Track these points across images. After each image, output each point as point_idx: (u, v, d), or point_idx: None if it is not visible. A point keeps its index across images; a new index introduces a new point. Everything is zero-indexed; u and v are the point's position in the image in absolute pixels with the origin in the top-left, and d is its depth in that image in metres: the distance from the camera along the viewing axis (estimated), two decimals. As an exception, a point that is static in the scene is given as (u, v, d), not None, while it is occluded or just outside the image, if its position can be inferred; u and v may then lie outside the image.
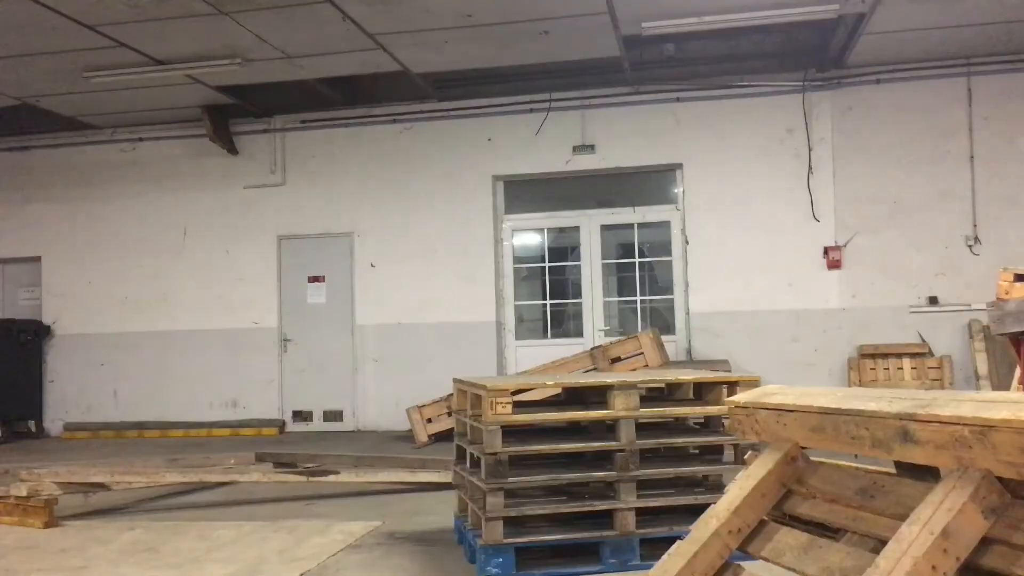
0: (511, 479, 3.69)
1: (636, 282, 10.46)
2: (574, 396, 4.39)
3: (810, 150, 9.72)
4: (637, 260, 10.46)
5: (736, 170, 9.92)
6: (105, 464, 6.93)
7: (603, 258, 10.48)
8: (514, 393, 3.75)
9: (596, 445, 3.86)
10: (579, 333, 10.41)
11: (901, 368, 9.40)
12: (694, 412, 4.10)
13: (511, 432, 3.79)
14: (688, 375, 4.28)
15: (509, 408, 3.67)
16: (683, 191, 10.16)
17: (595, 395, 3.99)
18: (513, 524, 3.74)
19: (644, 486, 3.81)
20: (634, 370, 7.86)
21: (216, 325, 11.05)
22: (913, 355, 9.42)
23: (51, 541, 4.77)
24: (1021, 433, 1.57)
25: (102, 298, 11.34)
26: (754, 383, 3.73)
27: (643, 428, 3.86)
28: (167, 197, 11.27)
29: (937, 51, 9.26)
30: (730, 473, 2.95)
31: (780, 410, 2.29)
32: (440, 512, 5.09)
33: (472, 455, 4.07)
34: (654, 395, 4.14)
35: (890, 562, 1.65)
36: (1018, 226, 9.32)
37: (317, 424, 10.80)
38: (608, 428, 3.93)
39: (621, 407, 3.75)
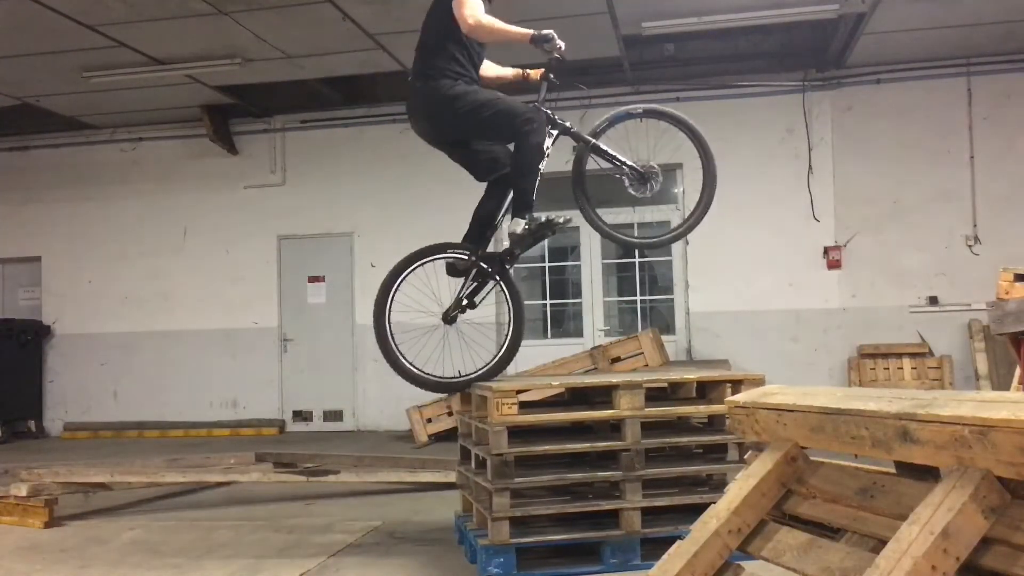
0: (517, 479, 3.68)
1: (636, 282, 10.45)
2: (577, 396, 4.39)
3: (810, 150, 9.72)
4: (637, 260, 10.46)
5: (736, 170, 9.88)
6: (105, 464, 6.93)
7: (603, 258, 10.48)
8: (519, 393, 3.74)
9: (602, 445, 3.86)
10: (579, 333, 10.41)
11: (901, 368, 9.40)
12: (699, 411, 4.09)
13: (516, 432, 3.78)
14: (693, 374, 4.28)
15: (515, 409, 3.67)
16: (683, 191, 10.15)
17: (600, 395, 3.99)
18: (518, 524, 3.73)
19: (648, 485, 3.80)
20: (634, 370, 7.86)
21: (216, 325, 11.05)
22: (913, 355, 9.42)
23: (51, 541, 4.77)
24: (1021, 433, 1.57)
25: (102, 298, 11.35)
26: (759, 381, 3.72)
27: (647, 427, 3.86)
28: (167, 197, 11.27)
29: (937, 51, 9.26)
30: (734, 472, 2.95)
31: (780, 410, 2.29)
32: (440, 512, 5.09)
33: (477, 456, 4.06)
34: (656, 395, 4.13)
35: (890, 562, 1.65)
36: (1018, 226, 9.32)
37: (317, 424, 10.81)
38: (613, 428, 3.92)
39: (627, 407, 3.75)
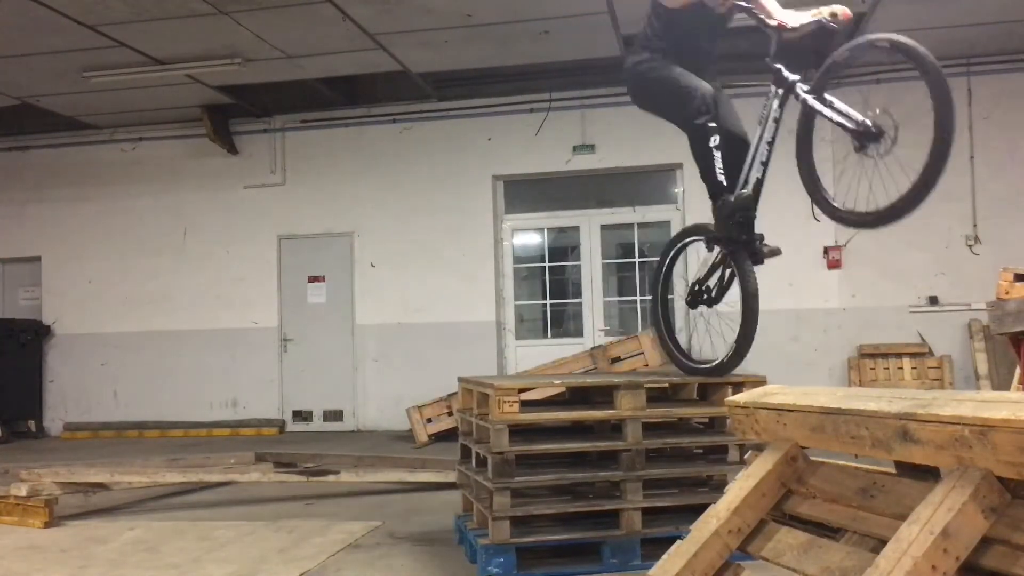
0: (518, 479, 3.68)
1: (636, 282, 10.45)
2: (578, 395, 4.39)
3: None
4: (637, 260, 10.46)
5: (736, 170, 9.91)
6: (105, 464, 6.92)
7: (603, 258, 10.48)
8: (520, 392, 3.74)
9: (603, 445, 3.86)
10: (579, 333, 10.41)
11: (901, 368, 9.40)
12: (700, 412, 4.09)
13: (517, 431, 3.78)
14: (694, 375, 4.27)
15: (516, 407, 3.66)
16: (683, 191, 10.16)
17: (601, 395, 3.99)
18: (518, 523, 3.73)
19: (649, 486, 3.80)
20: (634, 370, 7.86)
21: (216, 325, 11.05)
22: (913, 355, 9.42)
23: (51, 541, 4.77)
24: (1021, 433, 1.57)
25: (102, 298, 11.35)
26: (760, 383, 3.71)
27: (647, 428, 3.86)
28: (167, 197, 11.27)
29: (937, 51, 9.13)
30: (734, 473, 2.95)
31: (780, 410, 2.29)
32: (440, 512, 5.09)
33: (478, 454, 4.06)
34: (657, 395, 4.13)
35: (890, 562, 1.65)
36: (1018, 226, 9.32)
37: (317, 424, 10.81)
38: (614, 428, 3.92)
39: (628, 407, 3.74)
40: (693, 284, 4.31)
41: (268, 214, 11.00)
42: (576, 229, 10.59)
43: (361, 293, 10.77)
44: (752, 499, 2.21)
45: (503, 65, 9.67)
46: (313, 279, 10.99)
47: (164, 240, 11.26)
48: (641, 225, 10.48)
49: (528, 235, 10.85)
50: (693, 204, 10.04)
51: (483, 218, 10.52)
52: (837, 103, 3.86)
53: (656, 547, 3.30)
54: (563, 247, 10.79)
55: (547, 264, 10.72)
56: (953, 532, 1.64)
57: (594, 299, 10.44)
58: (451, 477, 5.05)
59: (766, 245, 4.07)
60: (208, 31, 8.29)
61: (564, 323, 10.72)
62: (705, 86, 3.99)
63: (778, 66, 3.96)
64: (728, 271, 4.16)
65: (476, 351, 10.23)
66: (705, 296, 4.27)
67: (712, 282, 4.25)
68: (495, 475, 3.65)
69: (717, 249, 4.17)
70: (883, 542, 1.76)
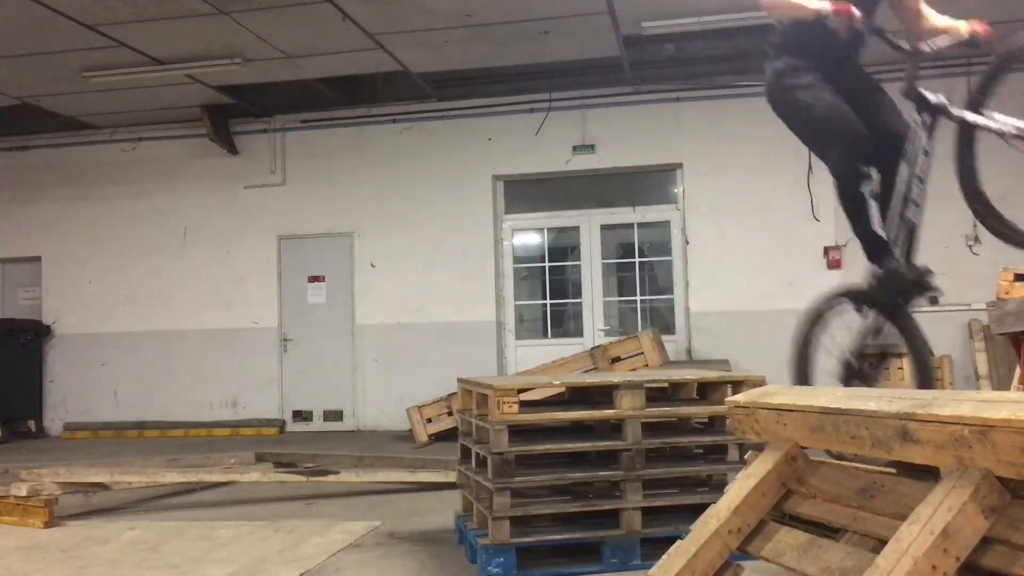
0: (518, 478, 3.68)
1: (636, 282, 10.45)
2: (578, 395, 4.39)
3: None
4: (637, 260, 10.47)
5: (736, 170, 9.92)
6: (105, 464, 6.93)
7: (603, 258, 10.48)
8: (520, 392, 3.74)
9: (603, 444, 3.86)
10: (579, 333, 10.41)
11: (901, 368, 9.39)
12: (700, 412, 4.09)
13: (517, 431, 3.78)
14: (693, 375, 4.28)
15: (516, 408, 3.66)
16: (683, 191, 10.15)
17: (600, 395, 3.99)
18: (518, 523, 3.73)
19: (648, 485, 3.80)
20: (634, 370, 7.86)
21: (216, 325, 11.05)
22: (913, 355, 9.40)
23: (51, 541, 4.77)
24: (1021, 433, 1.57)
25: (102, 298, 11.34)
26: (759, 383, 3.71)
27: (647, 428, 3.86)
28: (167, 197, 11.27)
29: (936, 51, 9.25)
30: (734, 473, 2.95)
31: (780, 410, 2.29)
32: (440, 512, 5.09)
33: (478, 454, 4.06)
34: (656, 395, 4.13)
35: (890, 562, 1.65)
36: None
37: (317, 424, 10.80)
38: (613, 428, 3.92)
39: (628, 407, 3.75)
40: (845, 357, 3.74)
41: (268, 214, 11.00)
42: (576, 229, 10.59)
43: (361, 293, 10.77)
44: (752, 499, 2.21)
45: (503, 65, 9.68)
46: (313, 279, 10.99)
47: (164, 240, 11.25)
48: (641, 225, 10.48)
49: (528, 235, 10.85)
50: (693, 204, 10.05)
51: (483, 218, 10.52)
52: (994, 114, 3.39)
53: (656, 547, 3.30)
54: (563, 247, 10.78)
55: (547, 264, 10.72)
56: (953, 532, 1.64)
57: (594, 299, 10.44)
58: (451, 477, 5.05)
59: (933, 289, 3.55)
60: (208, 31, 8.29)
61: (564, 323, 10.72)
62: (860, 128, 3.52)
63: (921, 91, 3.54)
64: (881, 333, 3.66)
65: (476, 351, 10.22)
66: (860, 370, 3.72)
67: (869, 350, 3.73)
68: (495, 475, 3.65)
69: (871, 314, 3.67)
70: (883, 542, 1.76)
